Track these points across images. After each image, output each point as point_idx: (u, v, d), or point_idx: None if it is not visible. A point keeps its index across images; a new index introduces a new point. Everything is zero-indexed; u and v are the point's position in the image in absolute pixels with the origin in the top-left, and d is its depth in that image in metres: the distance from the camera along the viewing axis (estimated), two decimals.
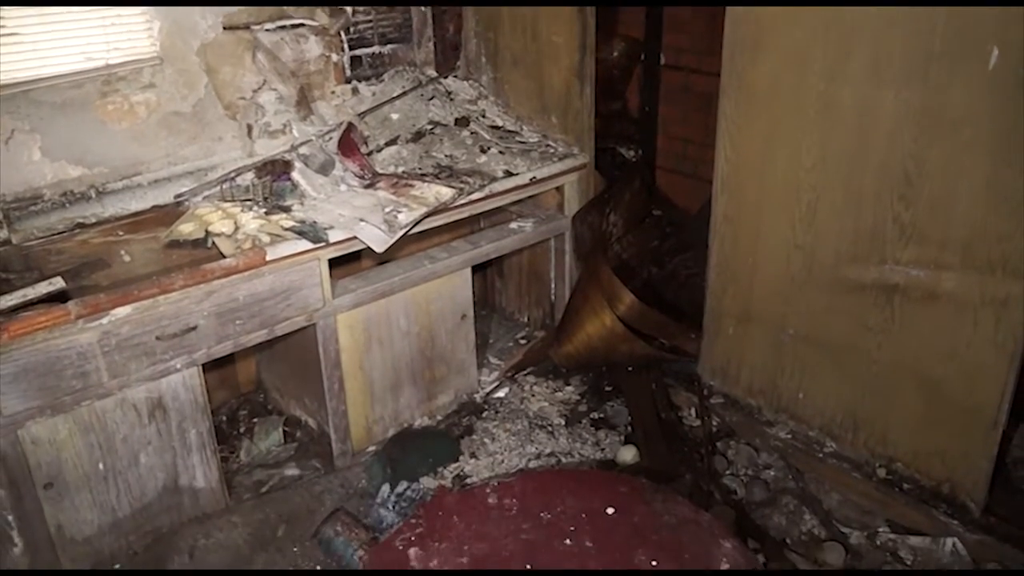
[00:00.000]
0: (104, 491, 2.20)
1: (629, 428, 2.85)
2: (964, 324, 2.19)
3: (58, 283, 2.04)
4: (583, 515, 2.14)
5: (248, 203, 2.60)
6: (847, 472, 2.50)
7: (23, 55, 2.40)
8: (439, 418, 2.91)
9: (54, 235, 2.46)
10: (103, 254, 2.51)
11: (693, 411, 2.89)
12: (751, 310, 2.71)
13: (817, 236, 2.45)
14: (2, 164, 2.42)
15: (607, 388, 3.07)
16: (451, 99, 3.32)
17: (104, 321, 2.09)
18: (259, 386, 3.09)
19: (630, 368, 3.05)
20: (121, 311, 2.11)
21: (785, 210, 2.51)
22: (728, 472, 2.63)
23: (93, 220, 2.54)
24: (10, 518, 2.06)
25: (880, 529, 2.38)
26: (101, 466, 2.18)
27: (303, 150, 2.82)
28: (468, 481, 2.60)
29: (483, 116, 3.32)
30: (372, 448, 2.75)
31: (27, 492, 2.07)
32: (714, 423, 2.83)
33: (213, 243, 2.37)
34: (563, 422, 2.89)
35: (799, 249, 2.50)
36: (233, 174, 2.71)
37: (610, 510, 2.16)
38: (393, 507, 2.46)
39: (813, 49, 2.31)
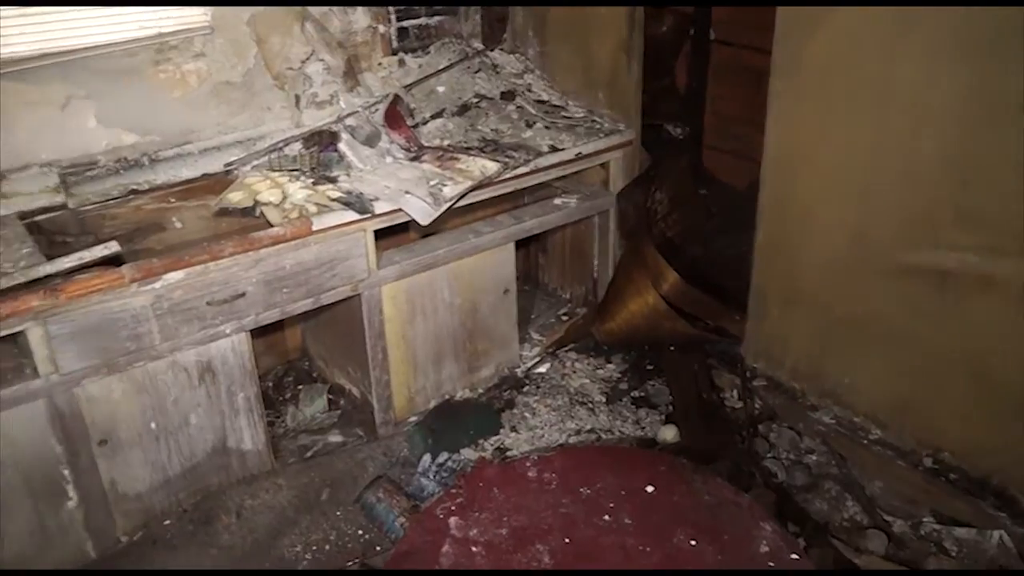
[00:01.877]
0: (156, 450, 2.27)
1: (670, 407, 2.84)
2: (1019, 312, 2.13)
3: (113, 247, 2.08)
4: (622, 492, 2.15)
5: (295, 173, 2.62)
6: (892, 460, 2.47)
7: (79, 23, 2.44)
8: (480, 391, 2.93)
9: (108, 201, 2.51)
10: (156, 220, 2.57)
11: (735, 393, 2.87)
12: (798, 292, 2.67)
13: (869, 218, 2.40)
14: (60, 130, 2.47)
15: (648, 367, 3.06)
16: (497, 72, 3.31)
17: (157, 285, 2.13)
18: (304, 354, 3.14)
19: (672, 347, 3.04)
20: (173, 276, 2.15)
21: (837, 191, 2.46)
22: (769, 455, 2.61)
23: (146, 187, 2.58)
24: (66, 472, 2.13)
25: (925, 519, 2.35)
26: (153, 425, 2.24)
27: (350, 121, 2.83)
28: (508, 454, 2.62)
29: (529, 90, 3.30)
30: (414, 418, 2.78)
31: (82, 448, 2.14)
32: (756, 405, 2.81)
33: (261, 212, 2.40)
34: (604, 399, 2.89)
35: (850, 231, 2.45)
36: (281, 144, 2.74)
37: (650, 488, 2.17)
38: (434, 477, 2.50)
39: (871, 26, 2.24)
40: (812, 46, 2.40)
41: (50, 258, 2.06)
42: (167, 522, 2.31)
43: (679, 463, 2.21)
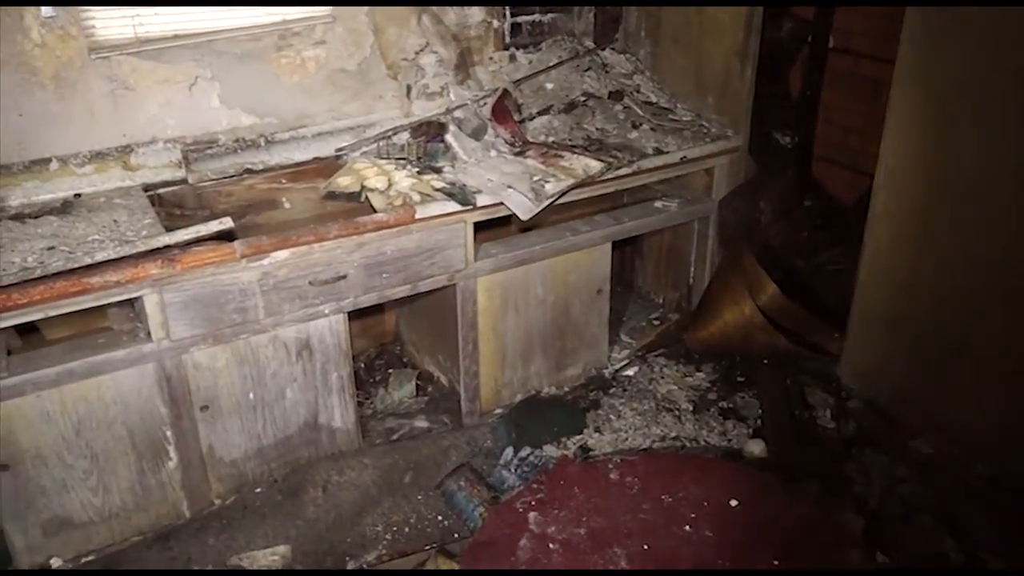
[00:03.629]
0: (252, 419, 2.36)
1: (759, 422, 2.77)
2: None
3: (227, 223, 2.18)
4: (705, 503, 2.12)
5: (402, 161, 2.68)
6: (997, 498, 2.34)
7: (210, 6, 2.56)
8: (566, 389, 2.94)
9: (224, 178, 2.63)
10: (267, 199, 2.68)
11: (829, 412, 2.78)
12: (904, 313, 2.56)
13: (992, 241, 2.28)
14: (185, 109, 2.60)
15: (739, 379, 2.99)
16: (606, 72, 3.29)
17: (265, 262, 2.22)
18: (397, 338, 3.21)
19: (765, 361, 2.96)
20: (280, 254, 2.23)
21: (956, 212, 2.34)
22: (861, 481, 2.51)
23: (260, 167, 2.69)
24: (169, 434, 2.25)
25: None
26: (251, 396, 2.34)
27: (458, 113, 2.87)
28: (591, 454, 2.61)
29: (637, 91, 3.27)
30: (499, 410, 2.81)
31: (185, 412, 2.25)
32: (850, 427, 2.71)
33: (366, 197, 2.46)
34: (691, 407, 2.84)
35: (967, 254, 2.34)
36: (390, 132, 2.80)
37: (733, 502, 2.13)
38: (515, 470, 2.51)
39: (1010, 40, 2.13)
40: (940, 59, 2.29)
41: (169, 229, 2.17)
42: (258, 490, 2.41)
43: (766, 479, 2.17)
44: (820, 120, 3.75)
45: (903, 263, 2.53)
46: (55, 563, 2.18)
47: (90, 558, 2.22)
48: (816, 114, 3.75)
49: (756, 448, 2.62)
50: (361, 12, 2.79)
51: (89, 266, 1.98)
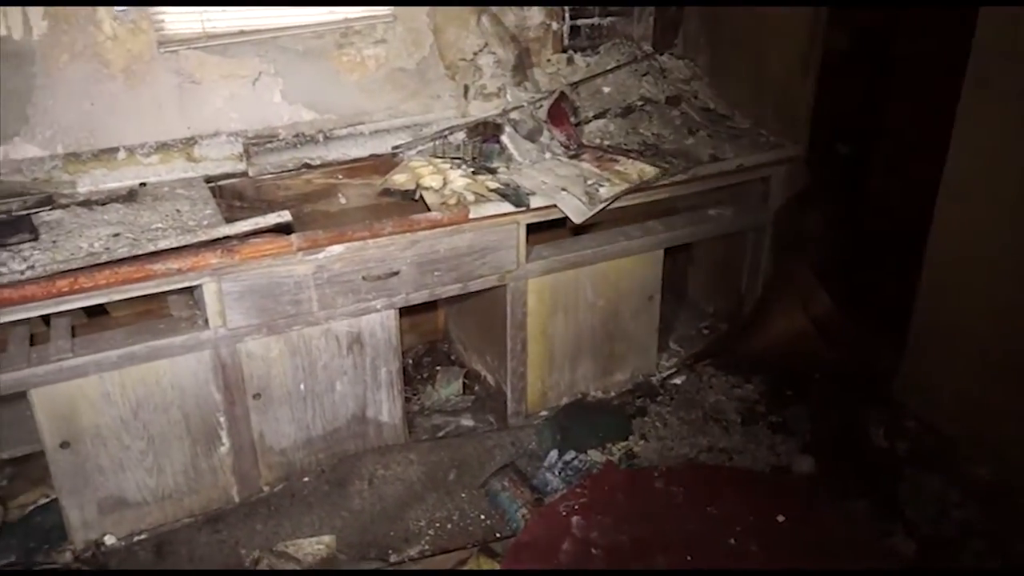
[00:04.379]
0: (302, 409, 2.40)
1: (809, 437, 2.72)
2: None
3: (286, 216, 2.21)
4: (751, 518, 2.09)
5: (457, 161, 2.70)
6: None
7: (276, 7, 2.61)
8: (613, 394, 2.92)
9: (283, 172, 2.68)
10: (323, 194, 2.72)
11: (882, 431, 2.71)
12: (965, 332, 2.49)
13: None
14: (248, 103, 2.65)
15: (789, 392, 2.94)
16: (664, 77, 3.27)
17: (320, 256, 2.25)
18: (446, 336, 3.23)
19: (817, 375, 2.91)
20: (335, 249, 2.26)
21: None
22: (913, 502, 2.45)
23: (318, 162, 2.73)
24: (222, 419, 2.29)
25: None
26: (302, 387, 2.37)
27: (514, 115, 2.88)
28: (635, 461, 2.59)
29: (695, 97, 3.24)
30: (545, 412, 2.80)
31: (239, 399, 2.29)
32: (903, 447, 2.64)
33: (421, 196, 2.49)
34: (739, 419, 2.80)
35: None
36: (446, 132, 2.82)
37: (780, 518, 2.10)
38: (559, 473, 2.51)
39: None
40: (1014, 71, 2.22)
41: (228, 220, 2.22)
42: (306, 479, 2.45)
43: (814, 496, 2.13)
44: (882, 132, 3.67)
45: (965, 279, 2.46)
46: (108, 540, 2.24)
47: (142, 537, 2.28)
48: (878, 126, 3.68)
49: (805, 464, 2.57)
50: (422, 12, 2.82)
51: (152, 253, 2.04)
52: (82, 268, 1.97)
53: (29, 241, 2.05)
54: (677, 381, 3.00)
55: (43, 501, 2.38)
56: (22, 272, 1.92)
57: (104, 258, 1.99)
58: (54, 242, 2.06)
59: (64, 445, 2.11)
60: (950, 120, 2.42)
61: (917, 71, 3.43)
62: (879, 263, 3.28)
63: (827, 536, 1.99)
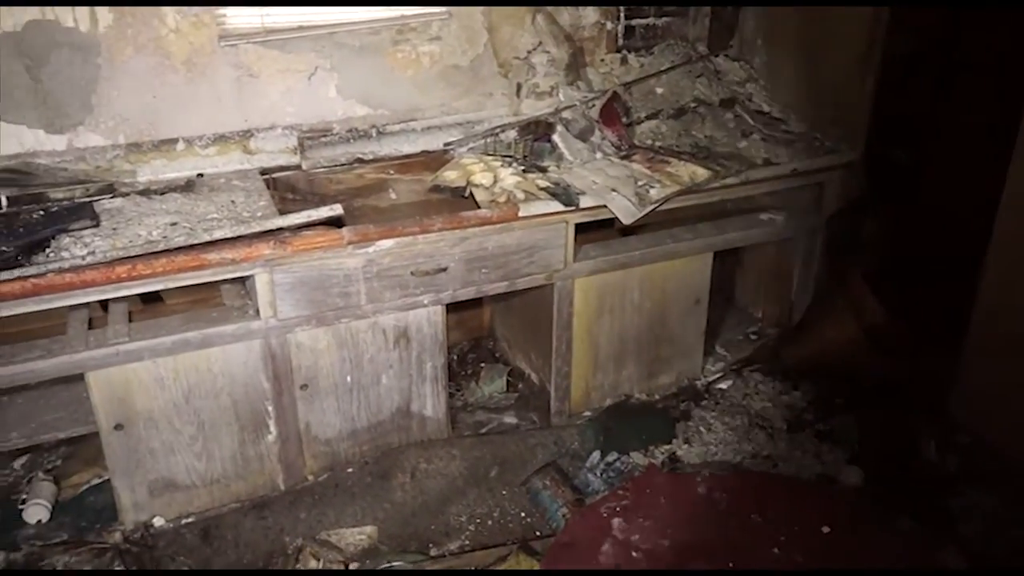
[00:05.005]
0: (348, 401, 2.43)
1: (857, 448, 2.66)
2: None
3: (337, 209, 2.24)
4: (795, 527, 2.06)
5: (508, 159, 2.70)
6: None
7: (334, 6, 2.64)
8: (657, 397, 2.90)
9: (336, 166, 2.72)
10: (375, 189, 2.75)
11: (933, 445, 2.64)
12: None
13: None
14: (304, 97, 2.69)
15: (838, 401, 2.88)
16: (719, 79, 3.23)
17: (370, 250, 2.27)
18: (491, 334, 3.24)
19: (868, 385, 2.85)
20: (385, 243, 2.28)
21: None
22: (965, 520, 2.39)
23: (370, 157, 2.76)
24: (270, 408, 2.33)
25: None
26: (349, 379, 2.40)
27: (566, 114, 2.87)
28: (678, 465, 2.57)
29: (750, 100, 3.20)
30: (588, 413, 2.79)
31: (286, 389, 2.33)
32: (956, 462, 2.57)
33: (471, 193, 2.49)
34: (785, 427, 2.75)
35: None
36: (498, 130, 2.82)
37: (825, 529, 2.06)
38: (601, 474, 2.50)
39: None
40: None
41: (281, 213, 2.26)
42: (349, 470, 2.48)
43: (863, 508, 2.09)
44: (941, 139, 3.58)
45: None
46: (157, 522, 2.30)
47: (190, 520, 2.33)
48: (937, 132, 3.58)
49: (853, 475, 2.52)
50: (477, 11, 2.83)
51: (207, 243, 2.08)
52: (140, 255, 2.02)
53: (90, 227, 2.11)
54: (723, 386, 2.97)
55: (96, 481, 2.45)
56: (83, 257, 1.97)
57: (162, 246, 2.04)
58: (114, 229, 2.12)
59: (118, 427, 2.17)
60: (1013, 126, 2.35)
61: (980, 75, 3.34)
62: (935, 272, 3.20)
63: (874, 549, 1.95)
